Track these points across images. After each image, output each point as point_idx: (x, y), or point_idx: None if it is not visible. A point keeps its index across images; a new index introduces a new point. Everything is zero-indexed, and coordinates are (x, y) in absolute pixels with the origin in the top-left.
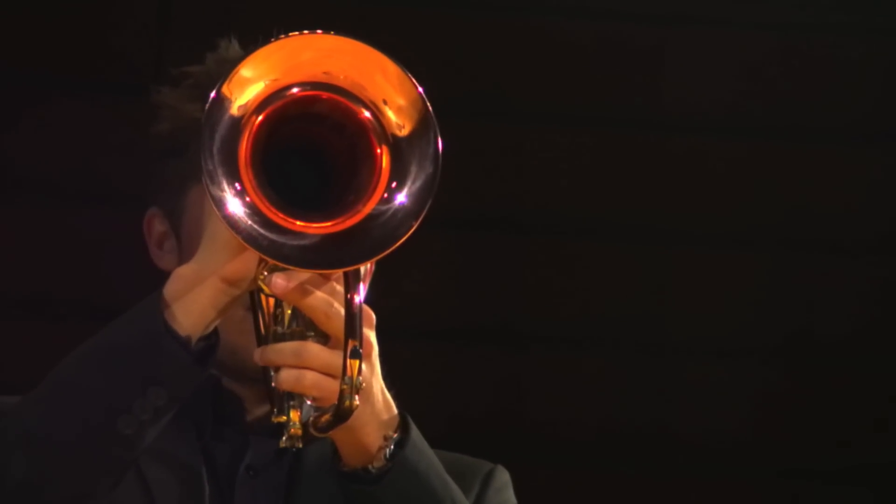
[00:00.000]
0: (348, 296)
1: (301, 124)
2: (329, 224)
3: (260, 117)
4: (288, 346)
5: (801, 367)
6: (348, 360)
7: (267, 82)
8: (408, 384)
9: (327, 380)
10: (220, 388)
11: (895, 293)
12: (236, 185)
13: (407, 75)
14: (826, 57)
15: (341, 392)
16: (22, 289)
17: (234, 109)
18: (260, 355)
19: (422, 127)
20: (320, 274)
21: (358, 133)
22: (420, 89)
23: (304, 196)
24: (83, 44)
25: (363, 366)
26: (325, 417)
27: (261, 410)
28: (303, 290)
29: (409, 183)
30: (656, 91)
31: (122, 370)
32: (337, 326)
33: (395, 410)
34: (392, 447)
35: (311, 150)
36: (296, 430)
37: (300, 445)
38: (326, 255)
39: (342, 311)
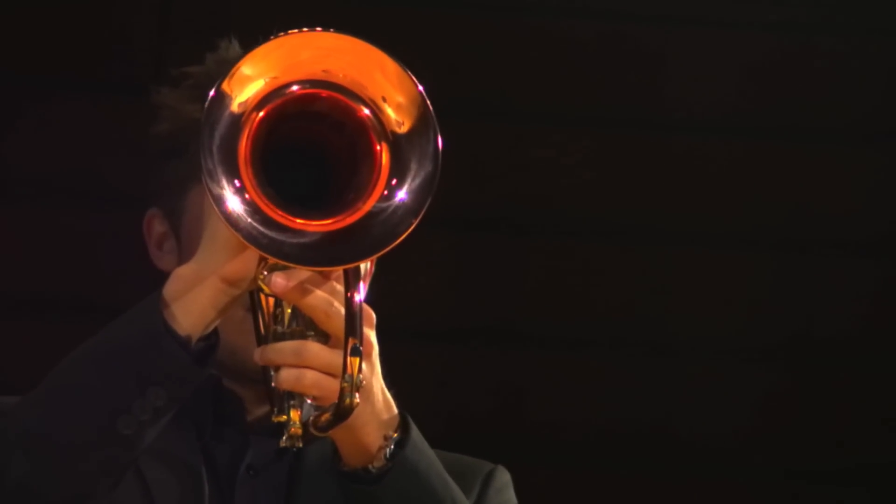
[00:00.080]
0: (348, 294)
1: (301, 122)
2: (329, 222)
3: (260, 115)
4: (288, 346)
5: (801, 367)
6: (348, 359)
7: (267, 80)
8: (408, 384)
9: (327, 379)
10: (220, 388)
11: (895, 293)
12: (236, 182)
13: (406, 73)
14: (826, 57)
15: (341, 390)
16: (22, 289)
17: (234, 107)
18: (260, 355)
19: (421, 124)
20: (320, 272)
21: (357, 131)
22: (419, 87)
23: (303, 194)
24: (83, 44)
25: (363, 364)
26: (326, 416)
27: (261, 410)
28: (303, 289)
29: (409, 180)
30: (657, 91)
31: (121, 370)
32: (337, 325)
33: (395, 410)
34: (392, 447)
35: (310, 147)
36: (296, 429)
37: (300, 445)
38: (326, 253)
39: (342, 309)
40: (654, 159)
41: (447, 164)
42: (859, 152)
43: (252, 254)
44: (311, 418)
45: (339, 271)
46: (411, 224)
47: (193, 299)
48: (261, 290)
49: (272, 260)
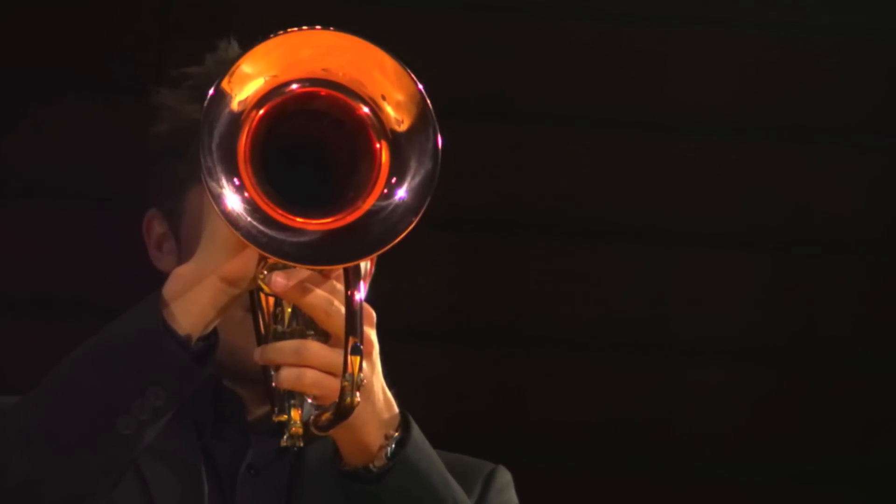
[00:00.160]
0: (348, 293)
1: (300, 121)
2: (329, 220)
3: (259, 113)
4: (288, 345)
5: (801, 368)
6: (349, 357)
7: (266, 78)
8: (408, 384)
9: (328, 378)
10: (220, 387)
11: (895, 293)
12: (235, 180)
13: (405, 71)
14: (826, 57)
15: (342, 389)
16: (22, 289)
17: (234, 105)
18: (260, 354)
19: (421, 122)
20: (320, 271)
21: (357, 129)
22: (419, 85)
23: (303, 192)
24: (83, 44)
25: (364, 363)
26: (326, 416)
27: (261, 410)
28: (303, 288)
29: (408, 178)
30: (657, 91)
31: (121, 370)
32: (337, 324)
33: (396, 409)
34: (393, 446)
35: (310, 146)
36: (297, 429)
37: (301, 444)
38: (326, 252)
39: (342, 308)
40: (655, 159)
41: (447, 165)
42: (859, 152)
43: (252, 253)
44: (312, 417)
45: (339, 270)
46: (411, 222)
47: (193, 299)
48: (261, 289)
49: (272, 259)
